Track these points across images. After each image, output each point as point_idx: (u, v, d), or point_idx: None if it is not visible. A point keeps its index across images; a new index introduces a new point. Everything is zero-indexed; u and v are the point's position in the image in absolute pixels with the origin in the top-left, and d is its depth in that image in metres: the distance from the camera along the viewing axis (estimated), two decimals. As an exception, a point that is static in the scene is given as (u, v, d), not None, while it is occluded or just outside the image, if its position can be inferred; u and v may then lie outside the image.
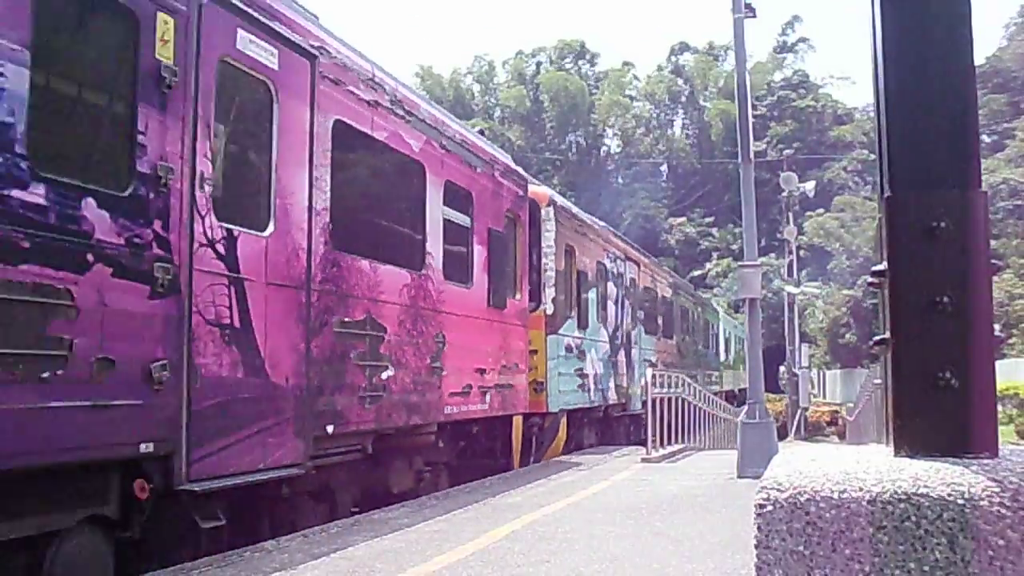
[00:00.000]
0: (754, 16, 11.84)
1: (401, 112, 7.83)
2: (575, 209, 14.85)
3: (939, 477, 1.72)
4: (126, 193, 4.65)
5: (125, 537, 4.87)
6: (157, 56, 4.88)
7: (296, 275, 6.13)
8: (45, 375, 4.07)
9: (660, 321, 20.77)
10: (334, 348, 6.58)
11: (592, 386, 14.13)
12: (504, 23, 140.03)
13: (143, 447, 4.68)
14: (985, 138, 50.69)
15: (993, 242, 2.39)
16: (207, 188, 5.27)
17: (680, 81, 75.47)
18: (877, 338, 2.04)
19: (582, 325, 13.80)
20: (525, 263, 11.32)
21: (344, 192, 6.85)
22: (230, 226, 5.47)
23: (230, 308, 5.45)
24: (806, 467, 1.85)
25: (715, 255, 60.20)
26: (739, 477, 9.62)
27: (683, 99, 75.55)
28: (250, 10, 5.71)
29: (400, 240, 8.05)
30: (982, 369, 1.87)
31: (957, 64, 1.94)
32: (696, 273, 56.11)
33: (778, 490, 1.80)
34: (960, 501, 1.67)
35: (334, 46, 6.84)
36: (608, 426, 15.90)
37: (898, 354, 1.91)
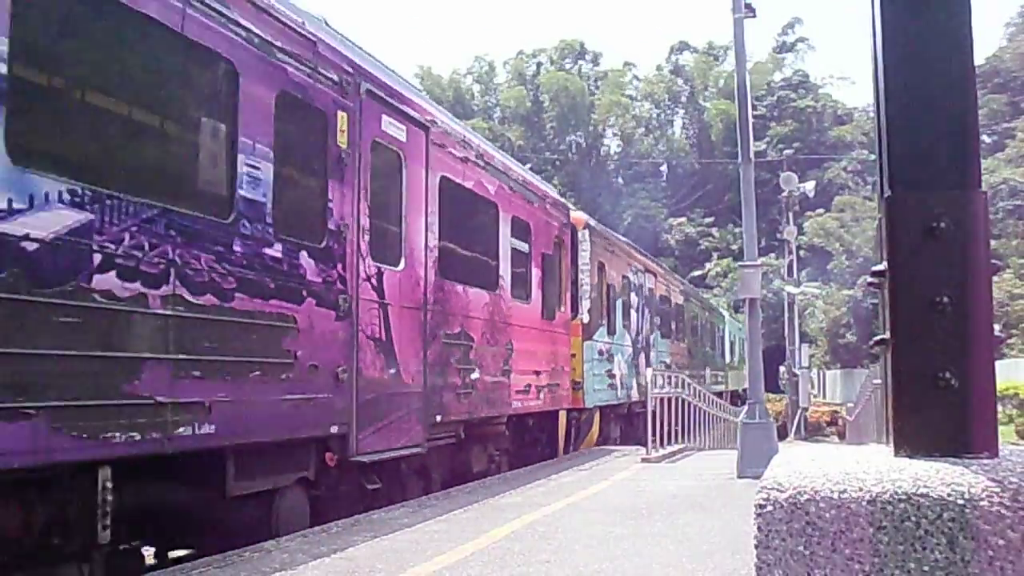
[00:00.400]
0: (754, 16, 11.84)
1: (482, 163, 9.93)
2: (606, 229, 16.90)
3: (939, 477, 1.72)
4: (322, 245, 6.54)
5: (316, 495, 6.82)
6: (338, 143, 6.84)
7: (417, 299, 8.07)
8: (283, 376, 5.95)
9: (673, 326, 22.68)
10: (441, 355, 8.48)
11: (619, 385, 15.89)
12: (504, 24, 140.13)
13: (332, 428, 6.59)
14: (985, 138, 50.70)
15: (993, 242, 2.39)
16: (366, 237, 7.16)
17: (680, 81, 75.48)
18: (877, 338, 2.04)
19: (611, 331, 15.65)
20: (568, 279, 13.25)
21: (445, 231, 8.72)
22: (379, 265, 7.38)
23: (379, 326, 7.32)
24: (806, 467, 1.85)
25: (715, 255, 60.17)
26: (739, 477, 9.62)
27: (683, 99, 75.55)
28: (391, 99, 7.73)
29: (482, 267, 9.93)
30: (982, 369, 1.87)
31: (957, 64, 1.94)
32: (696, 273, 56.08)
33: (778, 490, 1.80)
34: (960, 501, 1.67)
35: (440, 118, 9.00)
36: (631, 421, 17.31)
37: (898, 354, 1.91)
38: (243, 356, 5.58)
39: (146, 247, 4.79)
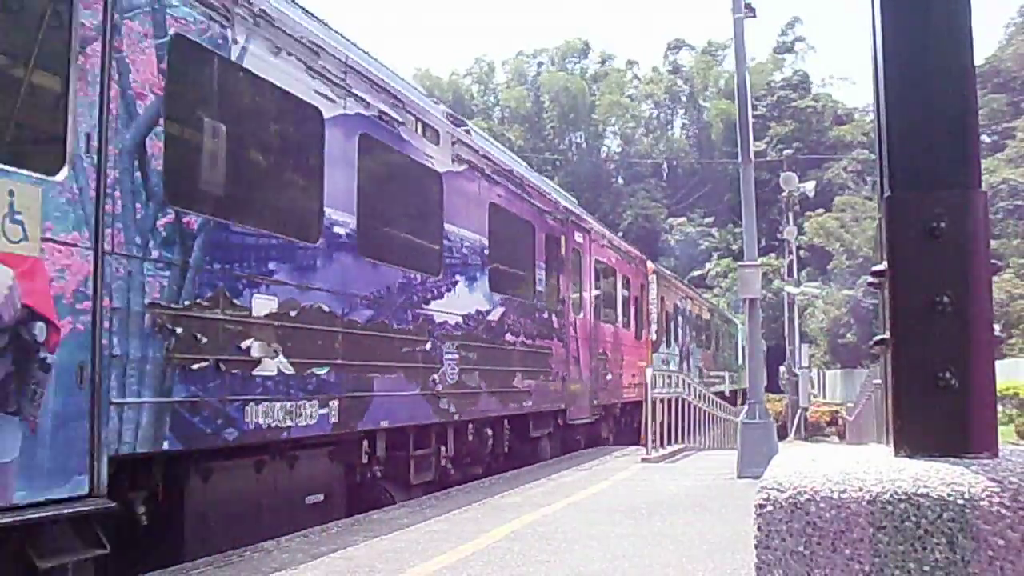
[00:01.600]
0: (754, 16, 11.84)
1: (612, 246, 16.49)
2: (662, 269, 23.68)
3: (939, 477, 1.72)
4: (559, 309, 12.26)
5: (554, 442, 12.66)
6: (563, 253, 12.19)
7: (587, 334, 13.77)
8: (547, 378, 11.67)
9: (703, 337, 29.02)
10: (594, 366, 14.13)
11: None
12: (504, 24, 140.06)
13: (560, 405, 12.25)
14: (985, 138, 50.70)
15: (993, 242, 2.39)
16: (571, 301, 12.87)
17: (680, 81, 75.50)
18: (877, 338, 2.04)
19: (667, 345, 22.16)
20: (645, 310, 19.07)
21: (599, 287, 14.81)
22: (576, 316, 13.07)
23: (575, 350, 12.96)
24: (806, 467, 1.85)
25: (715, 255, 60.18)
26: (739, 477, 9.62)
27: (683, 99, 75.57)
28: (579, 222, 14.08)
29: (612, 309, 16.04)
30: (982, 369, 1.87)
31: (957, 64, 1.94)
32: (696, 273, 56.08)
33: (778, 490, 1.80)
34: (960, 501, 1.67)
35: (595, 225, 15.67)
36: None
37: (898, 354, 1.91)
38: (537, 367, 11.30)
39: (519, 321, 10.71)
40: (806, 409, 31.24)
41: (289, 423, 6.01)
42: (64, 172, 4.33)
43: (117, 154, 4.67)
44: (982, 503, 1.66)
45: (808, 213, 50.47)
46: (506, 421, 10.65)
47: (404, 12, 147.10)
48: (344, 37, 7.25)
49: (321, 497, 6.78)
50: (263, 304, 5.80)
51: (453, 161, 9.07)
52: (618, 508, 7.30)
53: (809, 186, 34.36)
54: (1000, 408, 22.21)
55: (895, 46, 1.99)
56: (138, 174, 4.81)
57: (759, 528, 1.81)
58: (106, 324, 4.51)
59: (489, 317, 9.74)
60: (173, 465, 5.25)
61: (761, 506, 1.81)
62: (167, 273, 5.00)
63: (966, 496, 1.67)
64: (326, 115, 6.59)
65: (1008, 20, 69.54)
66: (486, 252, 9.71)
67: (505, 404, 10.21)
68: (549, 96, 71.38)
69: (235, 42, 5.62)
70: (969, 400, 1.85)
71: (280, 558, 5.27)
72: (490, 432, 10.22)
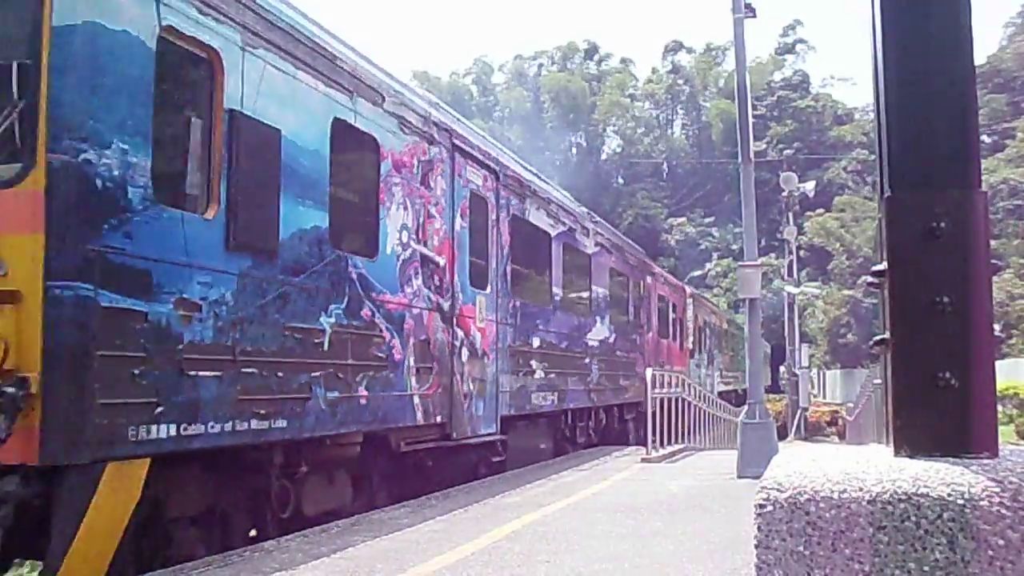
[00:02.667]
0: (754, 16, 11.83)
1: (669, 284, 21.67)
2: (697, 292, 30.52)
3: (939, 477, 1.72)
4: (639, 332, 17.46)
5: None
6: (642, 294, 17.85)
7: (654, 348, 18.54)
8: (630, 381, 16.22)
9: (723, 343, 33.65)
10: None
11: (704, 384, 25.48)
12: (504, 25, 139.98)
13: (640, 397, 14.82)
14: (985, 138, 50.68)
15: (993, 242, 2.38)
16: (645, 326, 18.02)
17: (680, 81, 75.48)
18: (877, 338, 2.04)
19: (699, 352, 26.68)
20: (685, 326, 23.75)
21: (659, 313, 19.50)
22: (648, 335, 18.05)
23: (649, 359, 17.45)
24: (806, 467, 1.85)
25: (715, 255, 60.22)
26: (739, 477, 9.61)
27: (683, 99, 75.56)
28: (662, 278, 21.91)
29: (665, 327, 20.41)
30: (982, 369, 1.87)
31: (957, 64, 1.94)
32: (696, 273, 56.10)
33: (778, 490, 1.80)
34: (960, 501, 1.67)
35: (660, 271, 21.76)
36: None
37: (898, 354, 1.91)
38: (629, 371, 15.95)
39: (621, 342, 15.56)
40: (806, 409, 31.24)
41: (543, 404, 11.37)
42: (488, 289, 9.52)
43: (499, 276, 9.85)
44: (982, 503, 1.66)
45: (808, 213, 50.48)
46: (614, 408, 15.62)
47: (404, 12, 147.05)
48: (552, 186, 12.96)
49: (551, 444, 12.52)
50: (535, 341, 11.13)
51: (594, 245, 14.09)
52: (618, 508, 7.30)
53: (809, 186, 34.34)
54: (1000, 408, 22.19)
55: (895, 46, 1.99)
56: (504, 283, 10.01)
57: (759, 528, 1.81)
58: (489, 355, 9.51)
59: (609, 340, 14.77)
60: (505, 421, 9.89)
61: (761, 506, 1.81)
62: (511, 329, 10.22)
63: (966, 496, 1.67)
64: (552, 235, 11.93)
65: (1008, 20, 69.60)
66: (608, 299, 14.78)
67: (616, 396, 15.33)
68: (549, 96, 71.35)
69: (527, 208, 11.02)
70: (969, 400, 1.85)
71: (280, 558, 5.27)
72: (603, 415, 14.99)
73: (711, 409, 16.78)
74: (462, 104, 70.79)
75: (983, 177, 2.02)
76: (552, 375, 11.47)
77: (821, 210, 52.78)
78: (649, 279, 18.82)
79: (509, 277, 10.12)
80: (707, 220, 64.45)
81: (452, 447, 8.66)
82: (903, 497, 1.70)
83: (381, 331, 7.09)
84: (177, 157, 5.17)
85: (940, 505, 1.67)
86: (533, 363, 10.85)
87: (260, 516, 6.16)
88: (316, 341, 6.18)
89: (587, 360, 13.21)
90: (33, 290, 4.26)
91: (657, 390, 12.46)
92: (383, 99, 7.15)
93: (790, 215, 33.88)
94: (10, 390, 4.11)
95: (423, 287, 7.89)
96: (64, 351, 4.30)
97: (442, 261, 8.23)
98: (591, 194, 60.08)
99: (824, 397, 47.39)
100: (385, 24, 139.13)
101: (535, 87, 73.62)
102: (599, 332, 14.00)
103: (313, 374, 6.09)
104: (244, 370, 5.39)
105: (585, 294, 13.52)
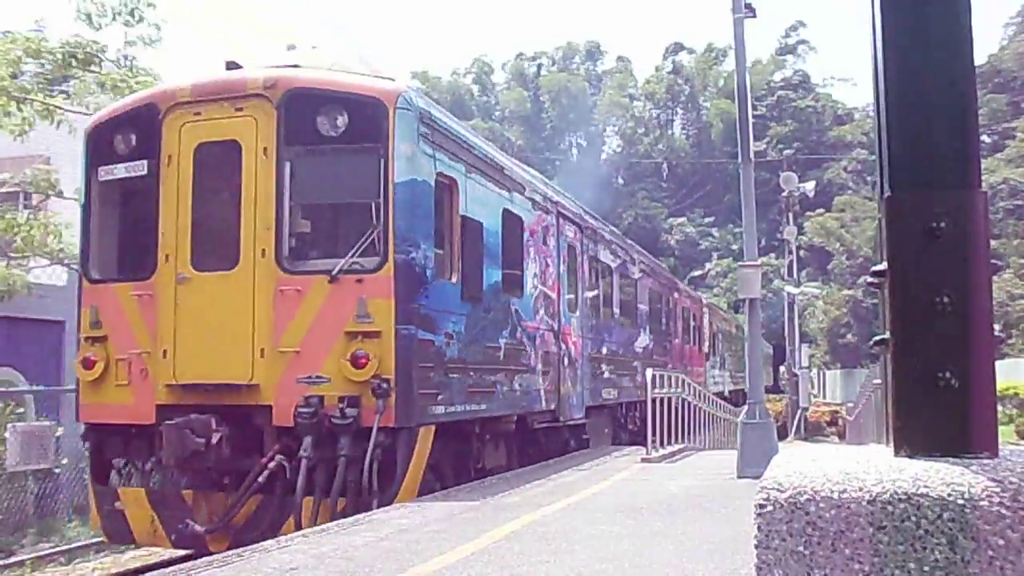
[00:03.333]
0: (754, 16, 11.82)
1: (699, 303, 28.40)
2: (712, 303, 34.96)
3: (939, 477, 1.72)
4: (670, 339, 21.29)
5: None
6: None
7: (680, 352, 22.54)
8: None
9: (733, 347, 35.57)
10: (683, 370, 19.77)
11: (715, 382, 29.41)
12: (504, 25, 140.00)
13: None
14: (985, 138, 50.67)
15: (993, 242, 2.38)
16: (674, 334, 22.40)
17: (680, 81, 75.45)
18: (877, 338, 2.04)
19: (713, 354, 29.77)
20: (702, 332, 27.13)
21: (685, 323, 23.79)
22: (675, 341, 22.18)
23: (676, 361, 21.46)
24: (806, 467, 1.85)
25: (715, 255, 60.20)
26: (739, 477, 9.61)
27: (683, 99, 75.54)
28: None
29: (688, 334, 24.01)
30: (982, 369, 1.87)
31: (957, 64, 1.94)
32: (696, 273, 56.10)
33: (778, 490, 1.80)
34: (960, 501, 1.67)
35: (707, 301, 32.67)
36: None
37: (898, 354, 1.91)
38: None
39: (656, 347, 19.27)
40: (806, 409, 31.26)
41: (609, 397, 14.29)
42: (577, 313, 12.71)
43: (583, 302, 12.96)
44: (982, 503, 1.66)
45: (808, 213, 50.46)
46: None
47: (404, 12, 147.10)
48: (610, 228, 16.50)
49: (612, 429, 15.17)
50: (604, 349, 14.05)
51: (639, 271, 17.58)
52: (618, 508, 7.30)
53: (809, 186, 34.37)
54: (1000, 408, 22.19)
55: (895, 46, 1.99)
56: (585, 307, 13.11)
57: (759, 528, 1.81)
58: (579, 361, 12.38)
59: (649, 347, 18.11)
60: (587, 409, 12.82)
61: (761, 506, 1.81)
62: (590, 341, 13.07)
63: (966, 496, 1.67)
64: (613, 267, 15.25)
65: (1008, 20, 69.53)
66: (648, 313, 18.29)
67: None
68: (549, 96, 71.33)
69: (599, 249, 14.24)
70: (969, 400, 1.85)
71: (280, 558, 5.27)
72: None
73: (711, 409, 16.78)
74: (463, 104, 70.83)
75: (983, 177, 2.02)
76: (614, 375, 14.77)
77: (821, 210, 52.75)
78: (676, 295, 22.94)
79: (588, 302, 13.45)
80: (707, 220, 64.42)
81: (558, 427, 11.78)
82: (903, 497, 1.70)
83: (525, 346, 10.34)
84: (442, 248, 8.36)
85: (940, 505, 1.67)
86: (603, 366, 14.08)
87: (466, 465, 9.20)
88: (497, 354, 9.43)
89: (635, 363, 16.44)
90: (387, 329, 7.37)
91: (657, 390, 12.45)
92: (524, 190, 10.69)
93: (790, 215, 33.88)
94: (384, 385, 7.24)
95: (544, 314, 11.15)
96: (402, 364, 7.40)
97: (553, 296, 11.53)
98: (591, 194, 60.01)
99: (824, 397, 47.41)
100: (385, 24, 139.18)
101: (535, 87, 73.55)
102: (643, 340, 17.73)
103: (496, 375, 9.36)
104: (470, 373, 8.63)
105: (633, 311, 17.18)
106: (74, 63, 14.04)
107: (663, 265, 24.68)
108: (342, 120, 7.72)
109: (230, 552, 5.45)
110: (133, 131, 8.22)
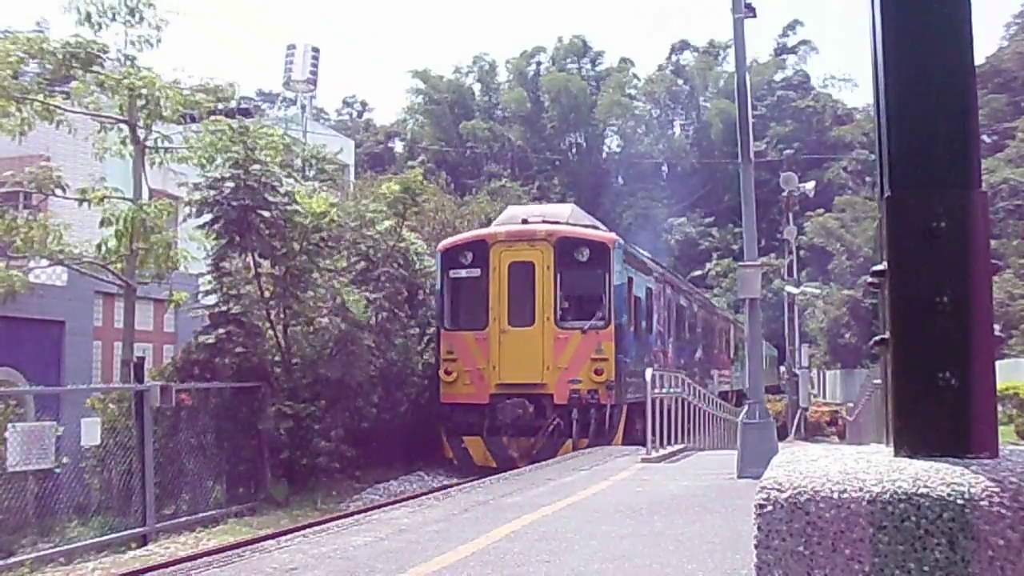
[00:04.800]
0: (754, 16, 11.82)
1: (722, 316, 35.81)
2: (736, 316, 35.89)
3: (939, 477, 1.71)
4: (713, 351, 29.95)
5: None
6: (731, 340, 36.10)
7: (718, 361, 30.94)
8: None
9: (743, 353, 43.74)
10: (714, 377, 29.48)
11: (741, 384, 33.75)
12: (503, 25, 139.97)
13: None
14: (985, 138, 50.65)
15: (993, 242, 2.38)
16: (714, 347, 31.46)
17: (680, 81, 75.37)
18: (877, 338, 2.04)
19: (736, 359, 32.91)
20: (730, 343, 33.81)
21: (718, 337, 31.98)
22: (715, 352, 31.12)
23: (717, 368, 30.53)
24: (806, 467, 1.85)
25: (715, 255, 60.10)
26: (739, 477, 9.61)
27: (683, 99, 75.47)
28: (733, 322, 35.72)
29: (721, 346, 32.26)
30: (982, 369, 1.87)
31: (957, 64, 1.94)
32: (696, 273, 56.00)
33: (778, 490, 1.80)
34: (960, 501, 1.67)
35: (735, 319, 36.76)
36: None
37: (898, 354, 1.91)
38: (706, 377, 26.76)
39: (705, 358, 27.86)
40: (806, 409, 31.26)
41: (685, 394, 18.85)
42: (671, 338, 21.95)
43: (672, 331, 22.14)
44: (982, 503, 1.66)
45: (808, 213, 50.42)
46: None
47: (403, 11, 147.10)
48: (682, 280, 28.70)
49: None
50: (681, 360, 21.98)
51: (697, 306, 26.70)
52: (618, 508, 7.30)
53: (809, 186, 34.35)
54: (1000, 408, 22.19)
55: (895, 46, 1.98)
56: (673, 334, 22.15)
57: (759, 528, 1.81)
58: (671, 368, 19.25)
59: (700, 357, 25.13)
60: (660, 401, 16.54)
61: (761, 506, 1.81)
62: (675, 355, 21.84)
63: (966, 496, 1.67)
64: (684, 305, 23.99)
65: (1008, 20, 69.53)
66: (699, 332, 25.95)
67: (706, 389, 21.24)
68: (549, 96, 71.23)
69: (678, 296, 23.57)
70: (969, 400, 1.84)
71: (280, 558, 5.27)
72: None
73: (711, 409, 16.78)
74: (463, 104, 70.75)
75: (983, 177, 2.02)
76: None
77: (821, 210, 52.68)
78: (714, 316, 30.89)
79: (674, 331, 21.31)
80: (707, 220, 64.33)
81: None
82: (903, 497, 1.69)
83: (653, 362, 16.95)
84: (628, 314, 16.79)
85: (940, 505, 1.67)
86: (682, 373, 18.54)
87: (636, 423, 15.53)
88: (644, 367, 14.58)
89: (695, 369, 23.10)
90: (611, 356, 15.27)
91: (657, 390, 12.45)
92: (651, 271, 19.02)
93: (790, 215, 33.87)
94: (610, 383, 15.00)
95: (659, 342, 19.36)
96: (617, 373, 15.27)
97: (662, 329, 19.64)
98: (591, 194, 60.10)
99: (824, 397, 47.41)
100: (385, 24, 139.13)
101: (535, 86, 73.41)
102: (698, 353, 25.65)
103: (642, 378, 13.67)
104: (637, 377, 14.92)
105: (694, 333, 25.26)
106: (75, 63, 14.01)
107: (705, 295, 34.17)
108: (586, 253, 15.80)
109: (230, 552, 5.45)
110: (471, 252, 16.18)
